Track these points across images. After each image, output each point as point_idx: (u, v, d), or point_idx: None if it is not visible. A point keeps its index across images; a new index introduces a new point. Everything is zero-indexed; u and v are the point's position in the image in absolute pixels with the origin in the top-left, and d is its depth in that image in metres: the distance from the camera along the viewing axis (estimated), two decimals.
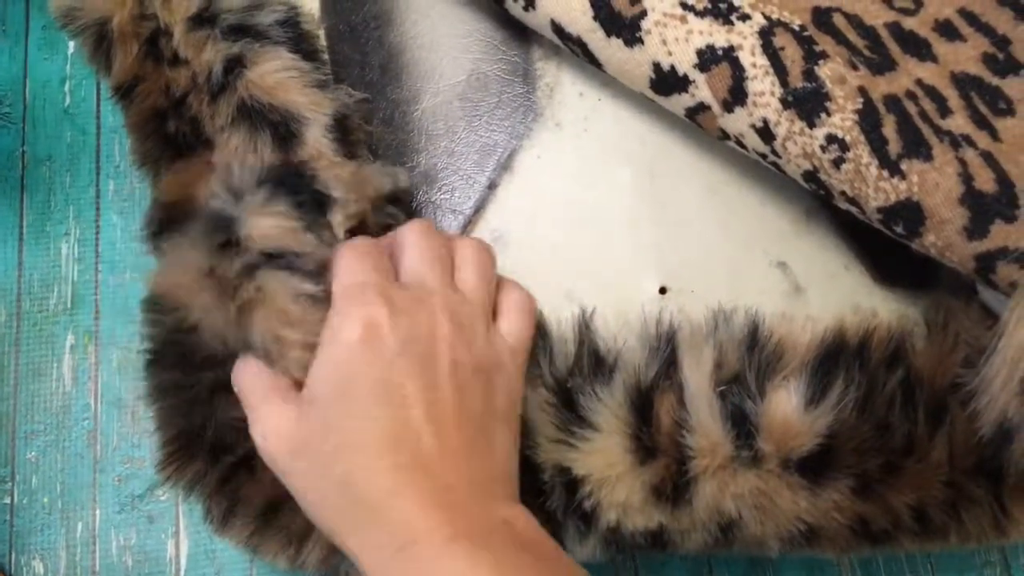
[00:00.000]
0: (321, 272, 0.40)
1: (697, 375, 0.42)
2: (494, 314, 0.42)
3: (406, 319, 0.37)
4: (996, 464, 0.42)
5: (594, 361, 0.43)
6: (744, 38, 0.41)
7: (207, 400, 0.42)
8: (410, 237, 0.40)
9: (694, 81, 0.41)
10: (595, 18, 0.42)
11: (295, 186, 0.42)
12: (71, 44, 0.58)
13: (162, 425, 0.44)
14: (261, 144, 0.46)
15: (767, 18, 0.41)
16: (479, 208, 0.47)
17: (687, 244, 0.47)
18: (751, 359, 0.43)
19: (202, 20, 0.48)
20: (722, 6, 0.41)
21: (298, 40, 0.49)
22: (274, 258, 0.40)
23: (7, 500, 0.50)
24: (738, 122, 0.41)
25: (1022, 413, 0.39)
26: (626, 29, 0.41)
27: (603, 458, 0.41)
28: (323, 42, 0.51)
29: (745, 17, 0.41)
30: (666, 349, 0.43)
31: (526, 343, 0.42)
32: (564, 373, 0.43)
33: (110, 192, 0.55)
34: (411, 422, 0.35)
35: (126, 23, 0.49)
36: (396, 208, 0.46)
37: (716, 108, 0.41)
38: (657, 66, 0.42)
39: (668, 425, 0.42)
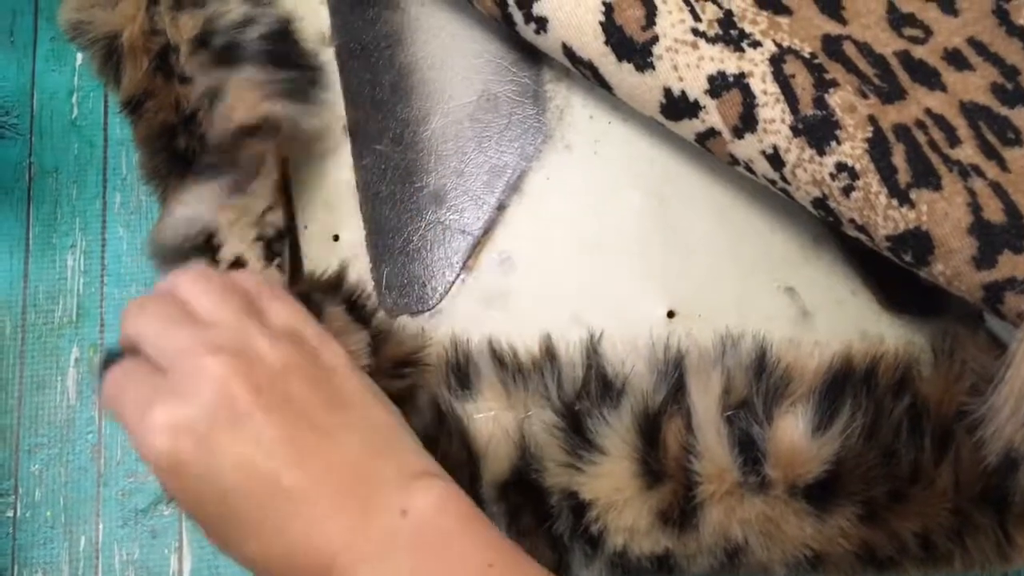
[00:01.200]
0: None
1: (705, 400, 0.42)
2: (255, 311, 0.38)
3: (168, 384, 0.34)
4: (1001, 492, 0.42)
5: (602, 385, 0.43)
6: (755, 65, 0.41)
7: None
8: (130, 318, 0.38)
9: (704, 107, 0.41)
10: (606, 43, 0.42)
11: None
12: (79, 56, 0.58)
13: None
14: None
15: (778, 45, 0.42)
16: (488, 229, 0.47)
17: (695, 268, 0.47)
18: (759, 385, 0.43)
19: (204, 41, 0.48)
20: (733, 33, 0.42)
21: (282, 53, 0.48)
22: None
23: (10, 513, 0.50)
24: (748, 148, 0.41)
25: None
26: (637, 54, 0.42)
27: (610, 482, 0.41)
28: (328, 53, 0.50)
29: (756, 44, 0.42)
30: (674, 374, 0.43)
31: (299, 317, 0.39)
32: (572, 397, 0.43)
33: (116, 205, 0.55)
34: (249, 490, 0.34)
35: (136, 38, 0.49)
36: None
37: (726, 134, 0.42)
38: (668, 91, 0.42)
39: (675, 450, 0.42)
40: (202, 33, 0.48)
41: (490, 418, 0.43)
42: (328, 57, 0.50)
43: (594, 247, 0.47)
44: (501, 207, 0.48)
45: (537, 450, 0.42)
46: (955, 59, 0.44)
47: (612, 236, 0.47)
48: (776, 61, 0.41)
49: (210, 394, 0.34)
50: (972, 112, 0.42)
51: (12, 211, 0.55)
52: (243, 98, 0.45)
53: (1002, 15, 0.44)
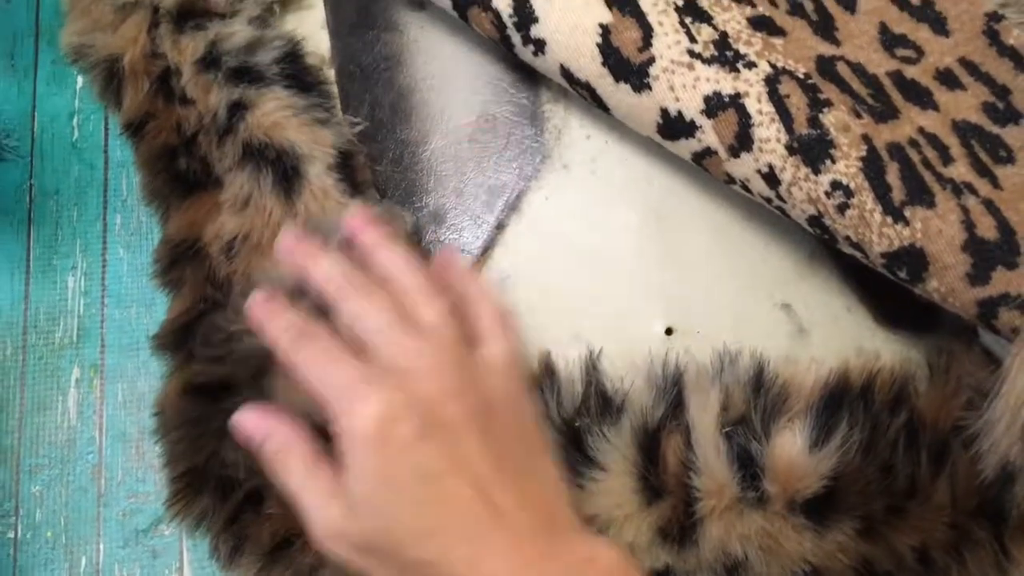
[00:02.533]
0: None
1: (703, 417, 0.43)
2: (471, 338, 0.40)
3: (402, 395, 0.36)
4: (998, 506, 0.42)
5: (601, 402, 0.44)
6: (750, 85, 0.42)
7: (215, 436, 0.43)
8: (342, 293, 0.39)
9: (701, 127, 0.42)
10: (604, 64, 0.43)
11: None
12: (79, 79, 0.58)
13: (171, 461, 0.45)
14: (264, 184, 0.46)
15: (772, 66, 0.42)
16: (487, 248, 0.48)
17: (693, 285, 0.47)
18: (757, 401, 0.43)
19: (207, 63, 0.49)
20: (728, 54, 0.42)
21: (299, 75, 0.50)
22: None
23: (11, 534, 0.50)
24: (744, 167, 0.42)
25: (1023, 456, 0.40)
26: (634, 75, 0.42)
27: (610, 498, 0.42)
28: (329, 73, 0.51)
29: (751, 65, 0.42)
30: (672, 390, 0.44)
31: (516, 354, 0.40)
32: (572, 413, 0.43)
33: (117, 226, 0.55)
34: (460, 493, 0.35)
35: (137, 60, 0.50)
36: None
37: (722, 153, 0.42)
38: (665, 111, 0.42)
39: (675, 466, 0.42)
40: (206, 55, 0.49)
41: None
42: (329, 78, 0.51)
43: (592, 265, 0.47)
44: (500, 226, 0.48)
45: None
46: (947, 79, 0.44)
47: (610, 254, 0.48)
48: (771, 81, 0.42)
49: (427, 385, 0.36)
50: (964, 131, 0.42)
51: (13, 233, 0.55)
52: (281, 123, 0.47)
53: (992, 35, 0.45)
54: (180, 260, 0.48)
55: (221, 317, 0.45)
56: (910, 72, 0.44)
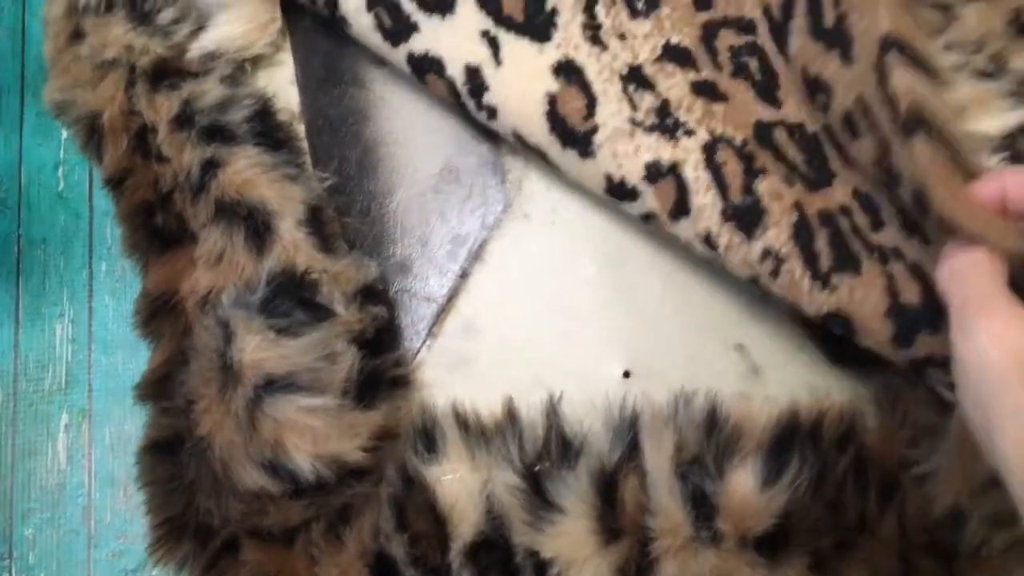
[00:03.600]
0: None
1: (658, 459, 0.44)
2: None
3: None
4: (948, 542, 0.43)
5: (561, 445, 0.45)
6: (689, 153, 0.44)
7: (188, 488, 0.45)
8: None
9: (642, 192, 0.44)
10: (551, 131, 0.44)
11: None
12: (64, 130, 0.60)
13: (151, 510, 0.47)
14: (236, 240, 0.48)
15: (711, 134, 0.44)
16: (452, 296, 0.50)
17: (650, 329, 0.49)
18: (710, 441, 0.45)
19: (181, 122, 0.50)
20: (668, 122, 0.44)
21: (270, 132, 0.52)
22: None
23: None
24: (684, 231, 0.44)
25: (973, 501, 0.41)
26: (580, 143, 0.44)
27: (569, 541, 0.43)
28: (299, 128, 0.53)
29: (690, 133, 0.44)
30: (629, 433, 0.45)
31: None
32: (533, 458, 0.45)
33: (102, 273, 0.57)
34: None
35: (116, 118, 0.52)
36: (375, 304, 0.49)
37: (664, 217, 0.44)
38: (609, 177, 0.44)
39: (631, 507, 0.44)
40: (180, 114, 0.51)
41: (456, 480, 0.45)
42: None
43: (553, 311, 0.49)
44: (464, 275, 0.50)
45: (501, 510, 0.44)
46: (850, 125, 0.43)
47: (570, 300, 0.49)
48: (709, 149, 0.43)
49: None
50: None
51: (2, 282, 0.57)
52: (252, 181, 0.49)
53: (880, 73, 0.41)
54: (158, 313, 0.50)
55: (184, 370, 0.47)
56: (829, 120, 0.44)
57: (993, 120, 0.45)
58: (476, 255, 0.50)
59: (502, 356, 0.49)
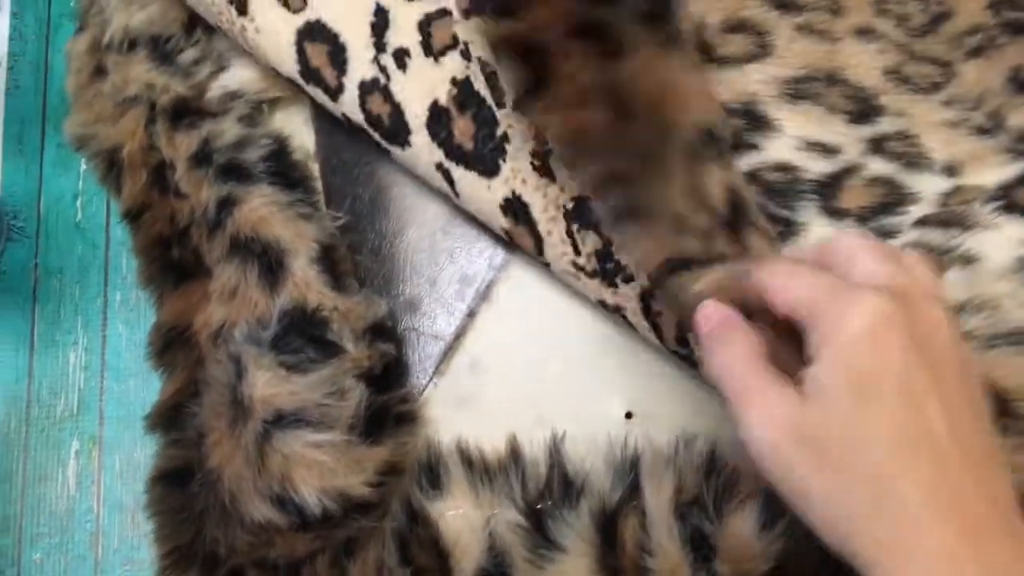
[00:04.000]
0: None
1: (658, 500, 0.45)
2: None
3: (903, 309, 0.33)
4: None
5: (563, 484, 0.46)
6: (628, 300, 0.46)
7: (197, 518, 0.46)
8: (855, 242, 0.36)
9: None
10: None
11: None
12: (83, 162, 0.61)
13: (159, 539, 0.48)
14: (250, 276, 0.49)
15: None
16: (459, 335, 0.51)
17: (653, 370, 0.50)
18: (709, 483, 0.46)
19: (199, 160, 0.52)
20: (609, 266, 0.45)
21: (284, 172, 0.53)
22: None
23: None
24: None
25: None
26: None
27: None
28: (314, 167, 0.55)
29: (629, 279, 0.45)
30: (630, 473, 0.46)
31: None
32: (535, 496, 0.46)
33: (117, 303, 0.58)
34: (931, 424, 0.32)
35: (135, 153, 0.53)
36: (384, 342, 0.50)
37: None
38: None
39: (631, 547, 0.45)
40: (198, 152, 0.52)
41: (459, 516, 0.46)
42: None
43: (557, 352, 0.50)
44: (471, 314, 0.51)
45: (503, 547, 0.45)
46: None
47: (574, 341, 0.50)
48: (645, 297, 0.45)
49: (923, 312, 0.33)
50: None
51: (19, 310, 0.58)
52: (267, 219, 0.51)
53: None
54: (172, 345, 0.51)
55: (195, 402, 0.48)
56: None
57: (990, 174, 0.47)
58: (483, 295, 0.51)
59: (507, 394, 0.50)
